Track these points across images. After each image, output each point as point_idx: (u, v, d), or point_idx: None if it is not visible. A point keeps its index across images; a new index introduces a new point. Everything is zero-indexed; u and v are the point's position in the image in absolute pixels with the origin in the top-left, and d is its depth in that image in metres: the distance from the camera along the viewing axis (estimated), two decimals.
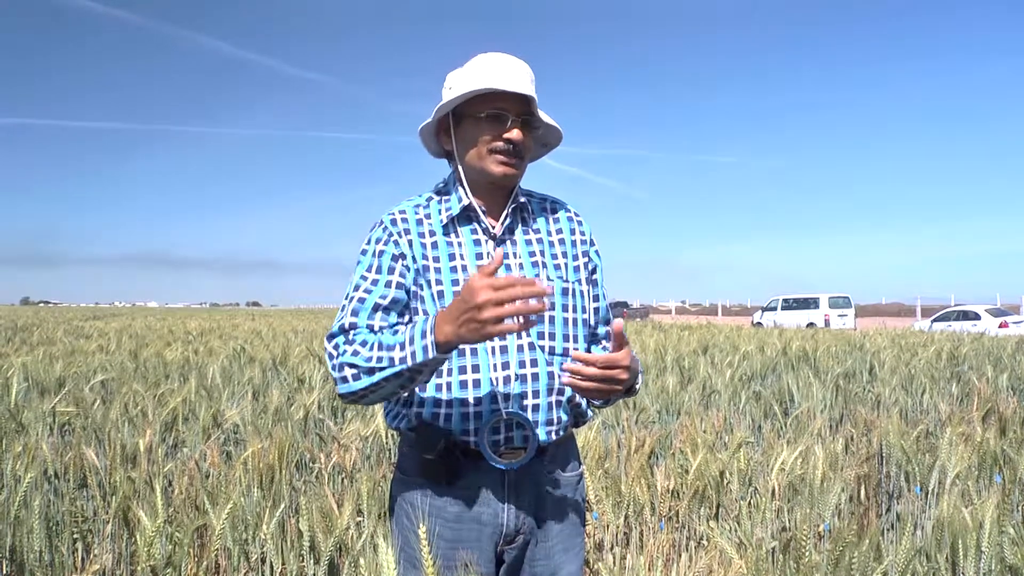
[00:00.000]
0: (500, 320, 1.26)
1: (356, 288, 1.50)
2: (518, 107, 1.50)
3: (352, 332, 1.46)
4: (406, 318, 1.51)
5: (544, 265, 1.57)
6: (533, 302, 1.27)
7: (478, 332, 1.28)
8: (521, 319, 1.29)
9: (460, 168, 1.58)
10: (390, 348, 1.37)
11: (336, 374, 1.44)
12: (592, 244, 1.67)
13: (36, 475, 2.60)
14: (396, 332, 1.41)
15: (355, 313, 1.47)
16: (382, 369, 1.37)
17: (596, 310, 1.66)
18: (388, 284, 1.49)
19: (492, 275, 1.27)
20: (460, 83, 1.52)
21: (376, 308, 1.47)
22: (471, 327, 1.28)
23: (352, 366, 1.41)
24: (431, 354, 1.33)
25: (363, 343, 1.42)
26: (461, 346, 1.39)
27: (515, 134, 1.50)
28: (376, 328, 1.46)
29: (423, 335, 1.34)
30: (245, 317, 32.80)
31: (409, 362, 1.35)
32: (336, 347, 1.45)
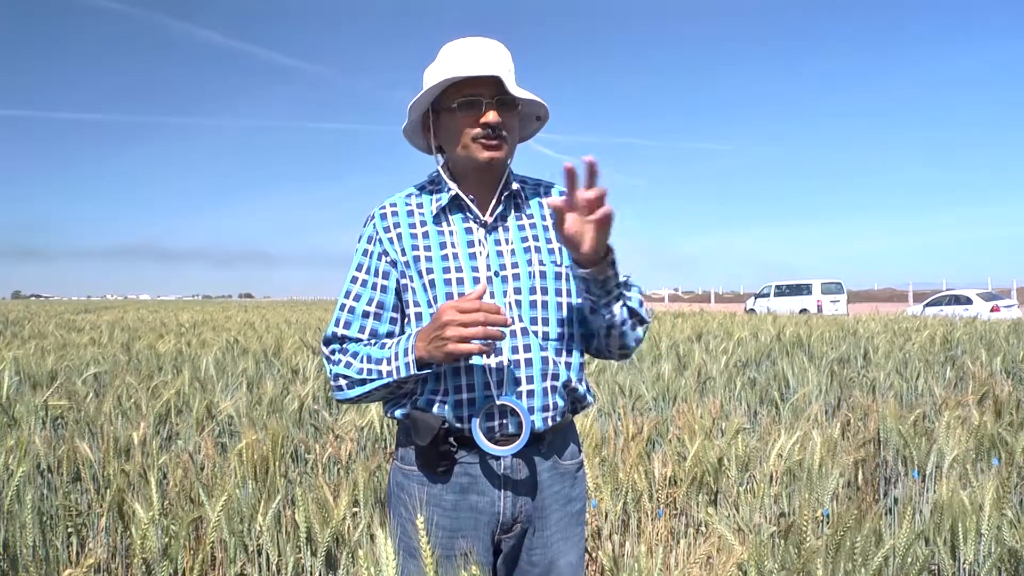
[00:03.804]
0: (463, 341, 1.34)
1: (347, 294, 1.57)
2: (490, 89, 1.48)
3: (345, 342, 1.56)
4: (398, 314, 1.57)
5: (538, 250, 1.56)
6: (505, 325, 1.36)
7: (440, 350, 1.37)
8: (483, 342, 1.36)
9: (448, 161, 1.58)
10: (378, 361, 1.47)
11: (332, 382, 1.55)
12: None
13: (29, 469, 2.57)
14: (384, 345, 1.50)
15: (347, 325, 1.55)
16: (372, 380, 1.48)
17: None
18: (375, 287, 1.55)
19: (476, 300, 1.36)
20: (429, 79, 1.51)
21: (365, 315, 1.55)
22: (436, 344, 1.37)
23: (345, 377, 1.52)
24: (412, 371, 1.43)
25: (354, 355, 1.52)
26: None
27: (491, 116, 1.48)
28: (367, 336, 1.55)
29: (405, 352, 1.44)
30: (238, 309, 32.70)
31: (395, 375, 1.45)
32: (332, 353, 1.56)
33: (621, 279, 1.52)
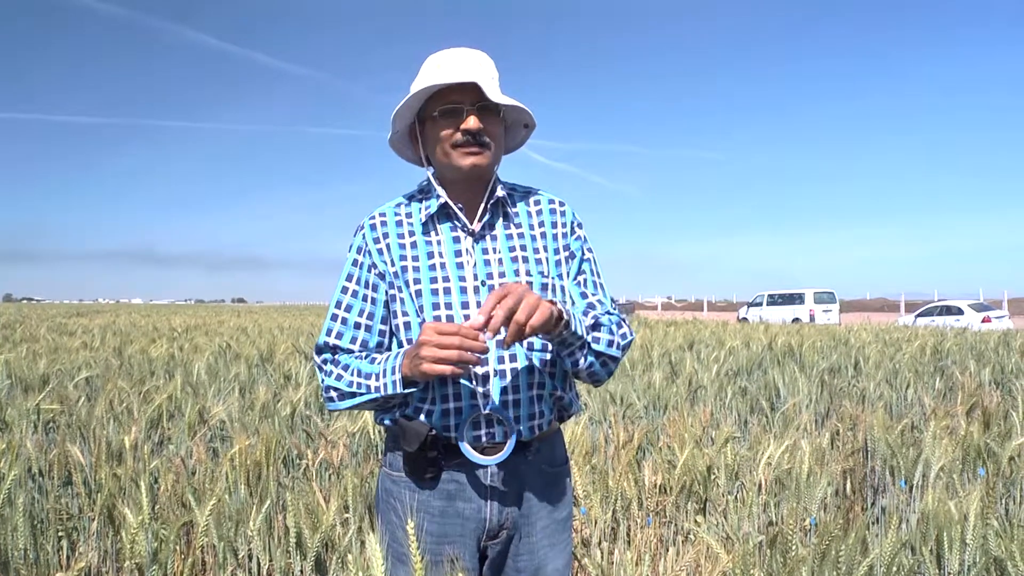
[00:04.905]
0: (437, 362, 1.35)
1: (338, 304, 1.59)
2: (471, 96, 1.50)
3: (337, 353, 1.58)
4: (387, 326, 1.59)
5: (525, 260, 1.57)
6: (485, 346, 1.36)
7: (417, 368, 1.39)
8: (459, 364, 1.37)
9: (434, 170, 1.59)
10: (367, 376, 1.51)
11: (324, 393, 1.59)
12: (574, 231, 1.63)
13: (20, 473, 2.58)
14: (374, 360, 1.53)
15: (339, 335, 1.58)
16: (361, 394, 1.52)
17: (585, 296, 1.61)
18: (364, 298, 1.58)
19: (456, 325, 1.37)
20: (412, 90, 1.53)
21: (356, 326, 1.58)
22: (415, 363, 1.39)
23: (336, 389, 1.55)
24: (399, 389, 1.46)
25: (345, 367, 1.55)
26: None
27: (472, 123, 1.50)
28: (358, 347, 1.57)
29: (393, 371, 1.47)
30: (231, 314, 32.63)
31: (382, 391, 1.48)
32: (324, 362, 1.59)
33: (589, 322, 1.51)
